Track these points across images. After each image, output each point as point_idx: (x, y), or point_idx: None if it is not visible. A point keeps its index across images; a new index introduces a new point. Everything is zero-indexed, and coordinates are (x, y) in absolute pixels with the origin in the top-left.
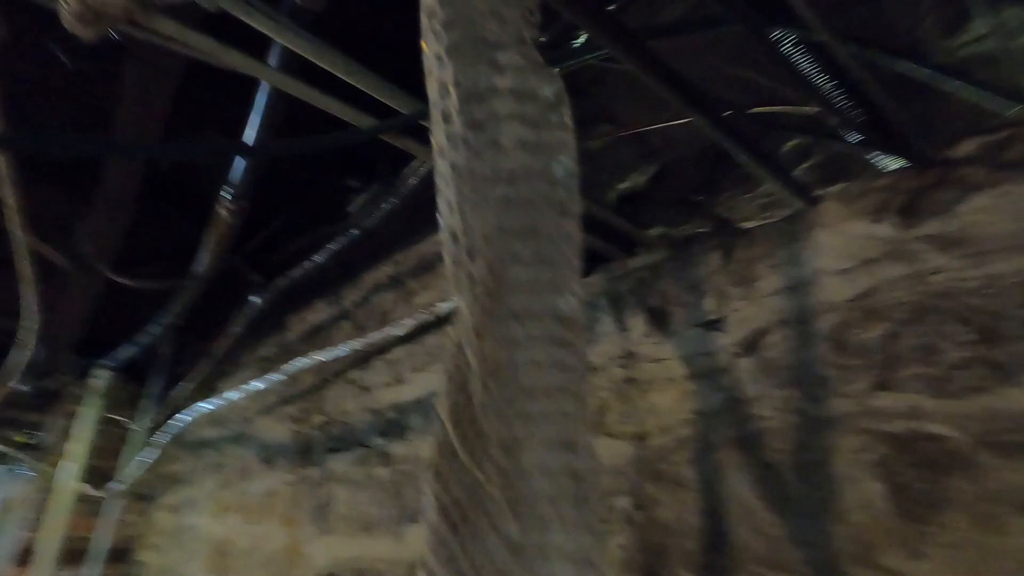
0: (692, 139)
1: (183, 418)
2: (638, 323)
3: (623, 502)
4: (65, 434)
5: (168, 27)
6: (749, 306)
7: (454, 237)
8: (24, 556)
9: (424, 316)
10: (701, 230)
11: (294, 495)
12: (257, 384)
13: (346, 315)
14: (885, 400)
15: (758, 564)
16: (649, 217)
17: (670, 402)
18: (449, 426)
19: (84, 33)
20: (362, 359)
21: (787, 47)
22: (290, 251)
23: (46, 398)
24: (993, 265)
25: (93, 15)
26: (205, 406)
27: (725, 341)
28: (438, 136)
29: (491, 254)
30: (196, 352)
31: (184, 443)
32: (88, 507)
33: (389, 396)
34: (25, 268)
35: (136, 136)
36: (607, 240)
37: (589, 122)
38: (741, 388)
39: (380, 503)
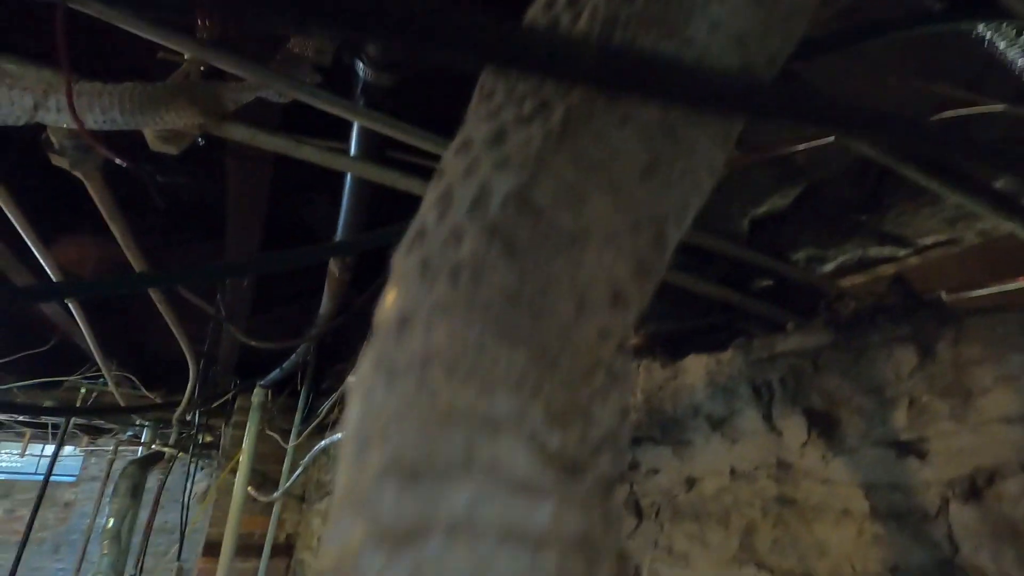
0: (844, 153)
1: (325, 440)
2: (794, 426)
3: None
4: (235, 443)
5: (241, 133)
6: (965, 431)
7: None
8: (209, 549)
9: None
10: (878, 302)
11: None
12: None
13: None
14: None
15: None
16: (793, 240)
17: (847, 544)
18: None
19: (169, 150)
20: None
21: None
22: None
23: (219, 412)
24: None
25: (173, 135)
26: (323, 443)
27: (928, 475)
28: None
29: None
30: (336, 371)
31: (331, 455)
32: (257, 507)
33: None
34: (172, 320)
35: (244, 230)
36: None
37: None
38: (960, 551)
39: None
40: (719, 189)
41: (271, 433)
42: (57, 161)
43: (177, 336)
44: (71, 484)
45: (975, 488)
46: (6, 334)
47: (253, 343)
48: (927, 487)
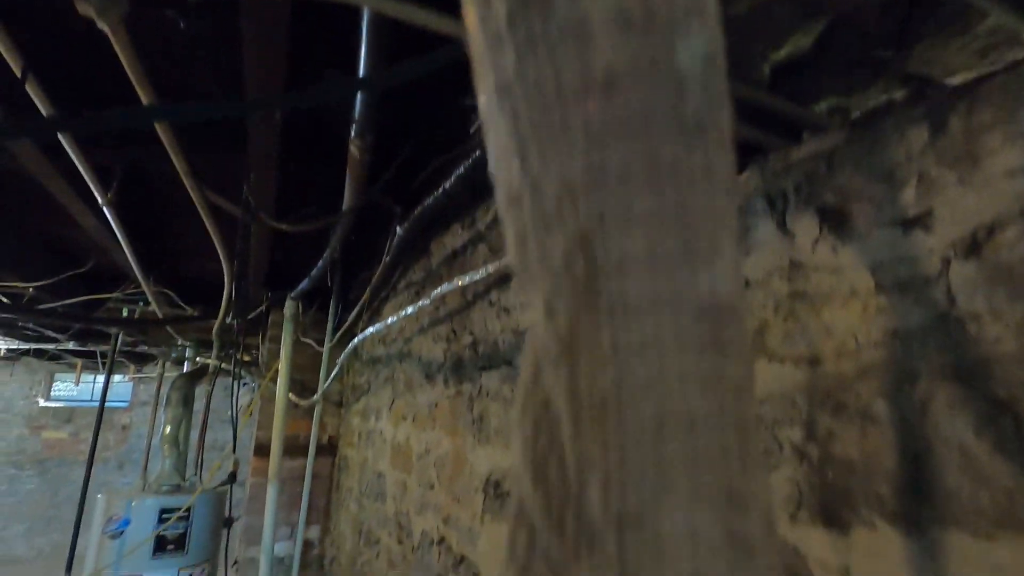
0: None
1: (357, 337)
2: (806, 227)
3: (791, 433)
4: (272, 356)
5: None
6: (969, 194)
7: (515, 198)
8: (260, 450)
9: None
10: (891, 97)
11: (452, 408)
12: (408, 310)
13: (481, 238)
14: None
15: (979, 517)
16: (815, 88)
17: (852, 321)
18: (534, 511)
19: None
20: (501, 280)
21: None
22: (421, 180)
23: (255, 326)
24: None
25: None
26: (370, 329)
27: (932, 243)
28: (473, 34)
29: (581, 216)
30: (361, 280)
31: (362, 360)
32: (299, 413)
33: (526, 319)
34: (209, 221)
35: (263, 87)
36: (762, 127)
37: None
38: (956, 302)
39: None
40: (739, 27)
41: (306, 340)
42: (83, 10)
43: (212, 234)
44: (125, 409)
45: (975, 243)
46: (46, 257)
47: (284, 227)
48: (930, 254)
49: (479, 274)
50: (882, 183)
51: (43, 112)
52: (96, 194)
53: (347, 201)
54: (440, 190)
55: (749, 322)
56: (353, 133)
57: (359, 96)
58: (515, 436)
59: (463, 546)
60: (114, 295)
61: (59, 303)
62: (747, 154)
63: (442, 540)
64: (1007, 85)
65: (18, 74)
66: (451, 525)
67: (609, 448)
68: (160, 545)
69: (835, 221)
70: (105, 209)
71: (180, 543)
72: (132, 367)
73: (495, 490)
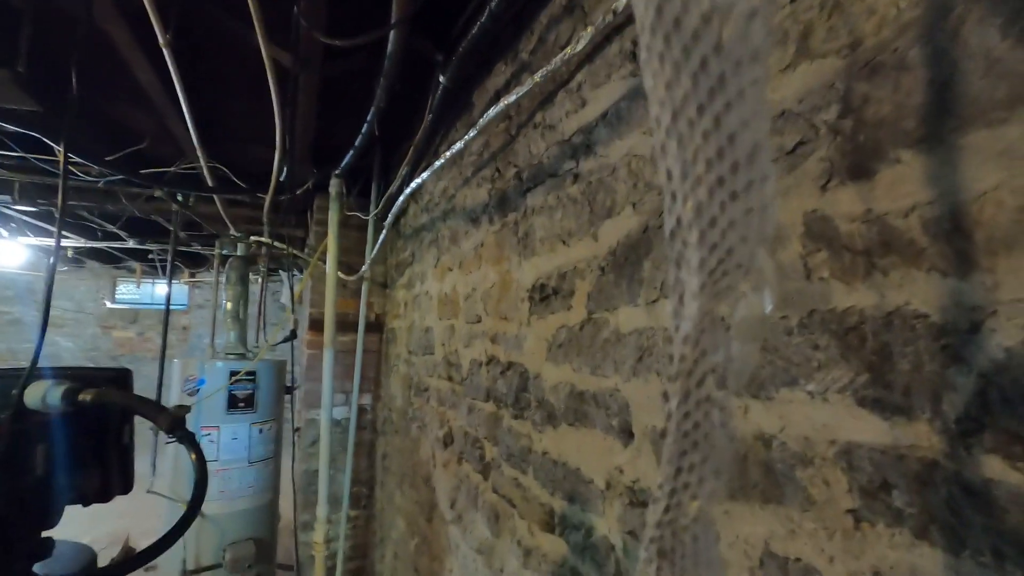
0: None
1: (400, 204)
2: None
3: (826, 115)
4: (319, 238)
5: None
6: None
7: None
8: (315, 325)
9: (600, 24)
10: None
11: (498, 240)
12: (454, 147)
13: (526, 67)
14: None
15: (994, 108)
16: None
17: None
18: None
19: None
20: (547, 98)
21: None
22: (463, 20)
23: (302, 208)
24: None
25: None
26: (413, 184)
27: None
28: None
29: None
30: (402, 154)
31: (404, 236)
32: (348, 292)
33: (573, 123)
34: (271, 80)
35: None
36: None
37: None
38: None
39: (575, 215)
40: None
41: (351, 213)
42: None
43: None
44: (184, 311)
45: None
46: (106, 138)
47: (337, 42)
48: None
49: (524, 88)
50: None
51: None
52: (156, 32)
53: (396, 12)
54: (485, 15)
55: (795, 30)
56: None
57: None
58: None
59: (510, 353)
60: (171, 168)
61: (118, 176)
62: None
63: (491, 360)
64: None
65: None
66: (498, 342)
67: None
68: (232, 403)
69: None
70: (165, 51)
71: (249, 402)
72: (186, 272)
73: (540, 293)
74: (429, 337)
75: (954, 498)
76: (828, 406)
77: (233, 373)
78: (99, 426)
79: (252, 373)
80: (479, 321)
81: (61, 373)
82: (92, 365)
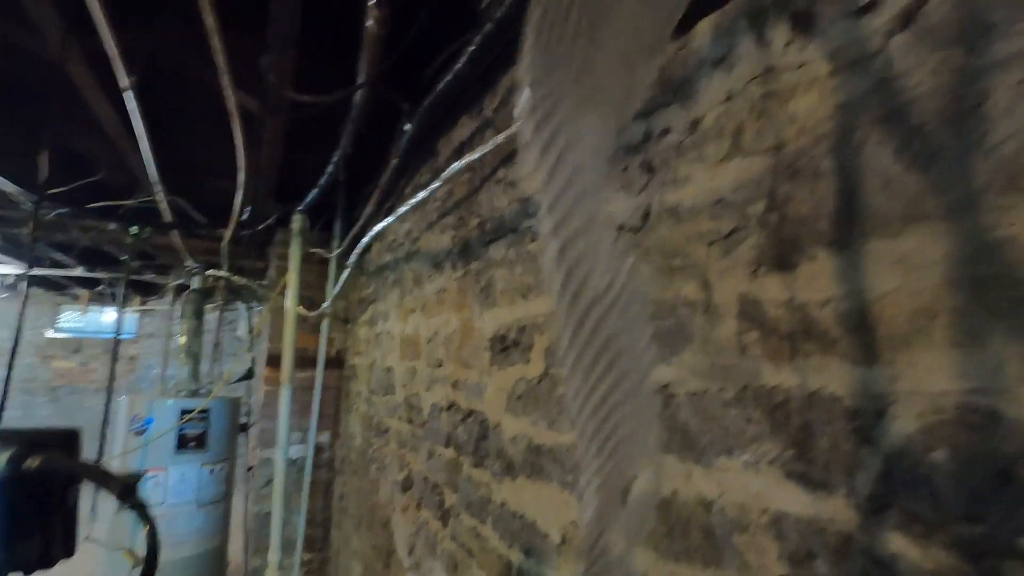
0: None
1: (363, 245)
2: (780, 33)
3: (755, 208)
4: (281, 272)
5: None
6: None
7: None
8: (272, 361)
9: None
10: None
11: (461, 287)
12: (420, 195)
13: (489, 123)
14: None
15: (894, 223)
16: None
17: (812, 104)
18: None
19: None
20: (508, 156)
21: None
22: (430, 73)
23: (262, 248)
24: None
25: None
26: (377, 227)
27: (878, 22)
28: None
29: None
30: (366, 195)
31: (368, 272)
32: (308, 326)
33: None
34: (236, 125)
35: None
36: None
37: None
38: (891, 66)
39: (534, 272)
40: None
41: (314, 250)
42: None
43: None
44: (133, 341)
45: (911, 13)
46: (60, 166)
47: (306, 98)
48: (876, 32)
49: (488, 147)
50: None
51: None
52: (118, 76)
53: (361, 74)
54: (451, 74)
55: (729, 127)
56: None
57: None
58: None
59: (471, 401)
60: (128, 202)
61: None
62: None
63: (451, 405)
64: None
65: None
66: (459, 388)
67: None
68: (182, 443)
69: (804, 23)
70: (125, 94)
71: (201, 441)
72: (138, 299)
73: (501, 344)
74: (391, 377)
75: (867, 571)
76: (760, 476)
77: (185, 412)
78: (43, 490)
79: (205, 411)
80: (440, 365)
81: (3, 435)
82: (30, 405)
